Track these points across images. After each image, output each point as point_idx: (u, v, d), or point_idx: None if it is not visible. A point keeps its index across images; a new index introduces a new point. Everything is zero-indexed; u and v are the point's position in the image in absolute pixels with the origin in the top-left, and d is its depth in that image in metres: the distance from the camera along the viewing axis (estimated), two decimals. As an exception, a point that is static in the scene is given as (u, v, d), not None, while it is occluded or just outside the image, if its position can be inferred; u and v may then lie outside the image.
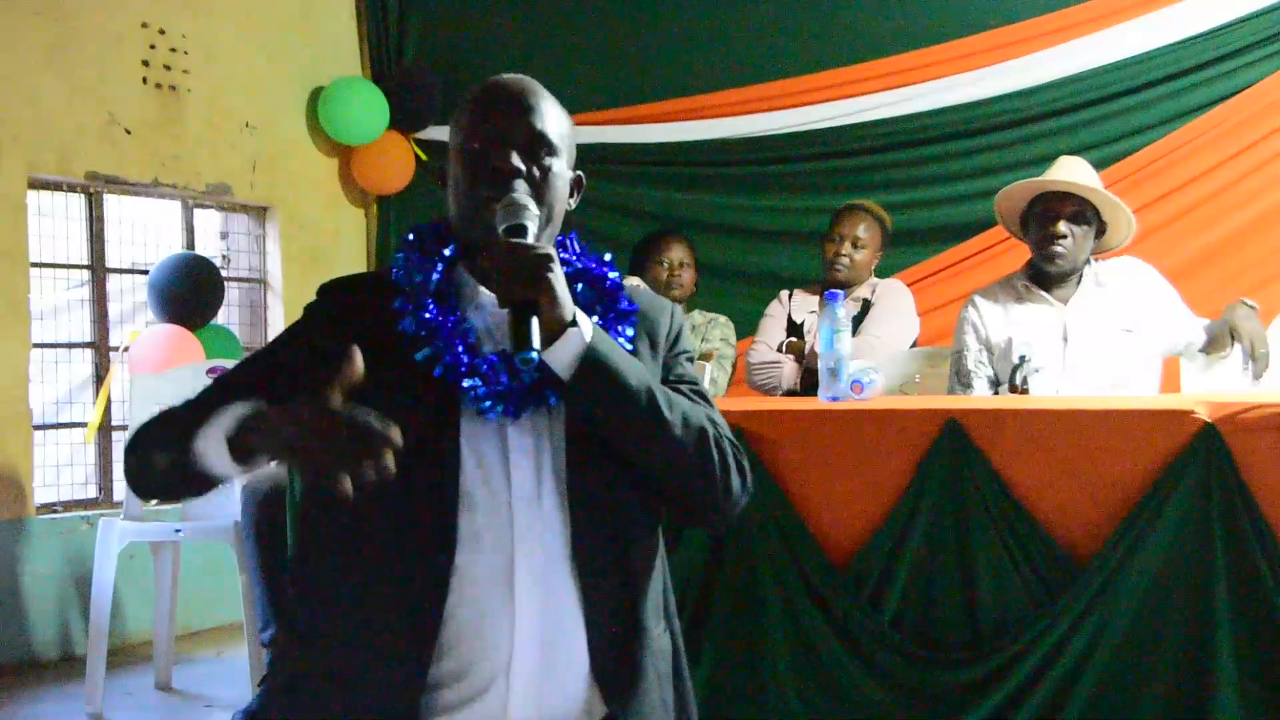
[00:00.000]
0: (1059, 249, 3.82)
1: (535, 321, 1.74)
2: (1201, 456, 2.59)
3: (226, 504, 4.71)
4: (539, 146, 1.89)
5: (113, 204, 6.03)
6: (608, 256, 2.02)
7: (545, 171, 1.89)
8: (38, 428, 5.59)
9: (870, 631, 2.81)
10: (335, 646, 1.82)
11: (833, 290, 3.67)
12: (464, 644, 1.78)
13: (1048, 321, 3.87)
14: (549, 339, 1.77)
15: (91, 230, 5.91)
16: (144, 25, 5.95)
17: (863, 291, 4.81)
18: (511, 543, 1.80)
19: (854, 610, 2.82)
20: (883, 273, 5.02)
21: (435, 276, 1.90)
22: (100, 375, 5.84)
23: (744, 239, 6.33)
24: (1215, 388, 3.92)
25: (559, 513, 1.83)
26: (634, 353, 1.92)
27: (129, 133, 5.88)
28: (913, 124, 6.05)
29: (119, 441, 5.77)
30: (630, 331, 1.94)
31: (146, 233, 6.22)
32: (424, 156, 6.99)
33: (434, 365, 1.83)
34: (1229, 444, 2.58)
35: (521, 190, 1.85)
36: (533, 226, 1.81)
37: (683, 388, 1.95)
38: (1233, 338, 3.76)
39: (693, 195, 6.27)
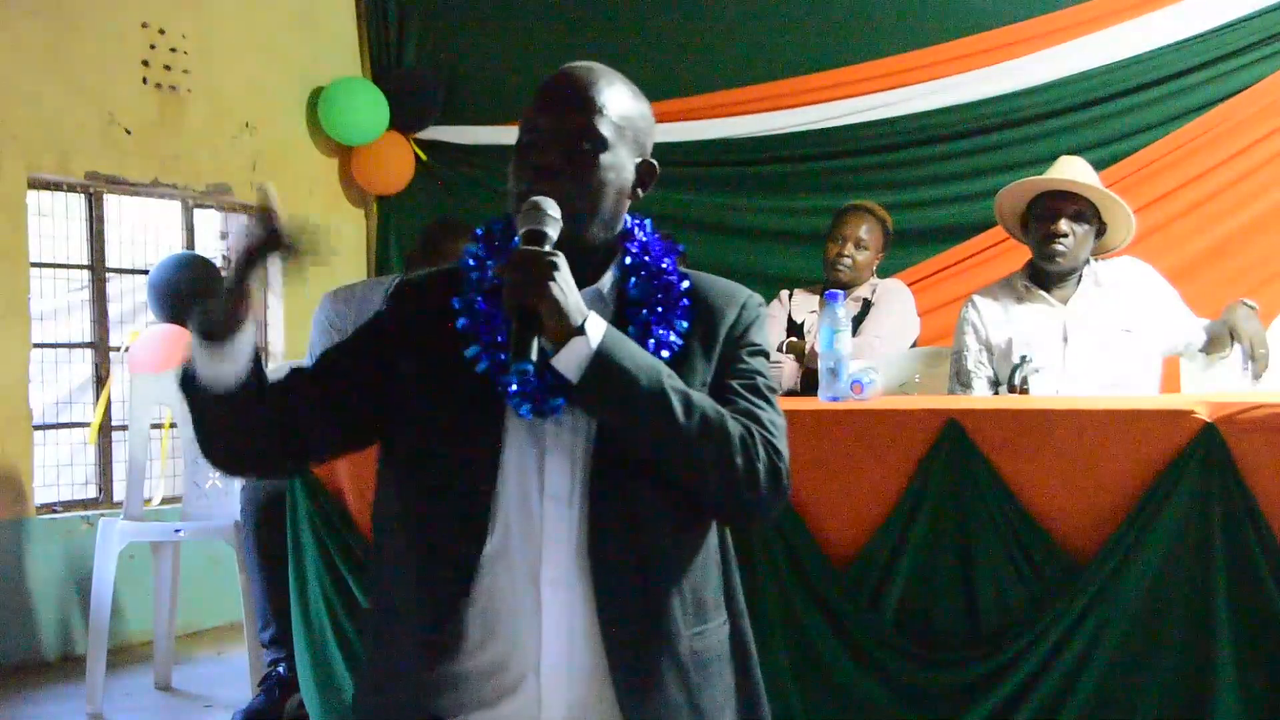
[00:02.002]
0: (1060, 248, 3.82)
1: (531, 334, 1.75)
2: (1201, 456, 2.58)
3: (227, 504, 4.71)
4: (583, 140, 1.87)
5: (113, 204, 6.03)
6: (680, 248, 2.00)
7: (590, 167, 1.87)
8: (38, 428, 5.60)
9: (870, 631, 2.81)
10: (379, 626, 1.97)
11: (833, 290, 3.67)
12: (495, 640, 1.84)
13: (1048, 322, 3.87)
14: (559, 343, 1.77)
15: (92, 230, 5.91)
16: (144, 25, 5.96)
17: (863, 291, 4.81)
18: (540, 541, 1.83)
19: (854, 610, 2.82)
20: (883, 273, 5.02)
21: (490, 274, 1.92)
22: (100, 376, 5.84)
23: (744, 239, 6.32)
24: (1215, 388, 3.92)
25: (584, 516, 1.84)
26: (682, 349, 1.91)
27: (129, 133, 5.89)
28: (913, 124, 6.05)
29: (119, 442, 5.77)
30: (683, 325, 1.92)
31: (147, 233, 6.22)
32: (424, 157, 6.99)
33: (478, 362, 1.87)
34: (1229, 444, 2.57)
35: (552, 190, 1.84)
36: (553, 232, 1.80)
37: (734, 383, 1.93)
38: (1233, 338, 3.76)
39: (692, 195, 6.27)
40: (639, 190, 1.97)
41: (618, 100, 1.91)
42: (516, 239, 1.84)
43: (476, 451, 1.85)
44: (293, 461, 2.03)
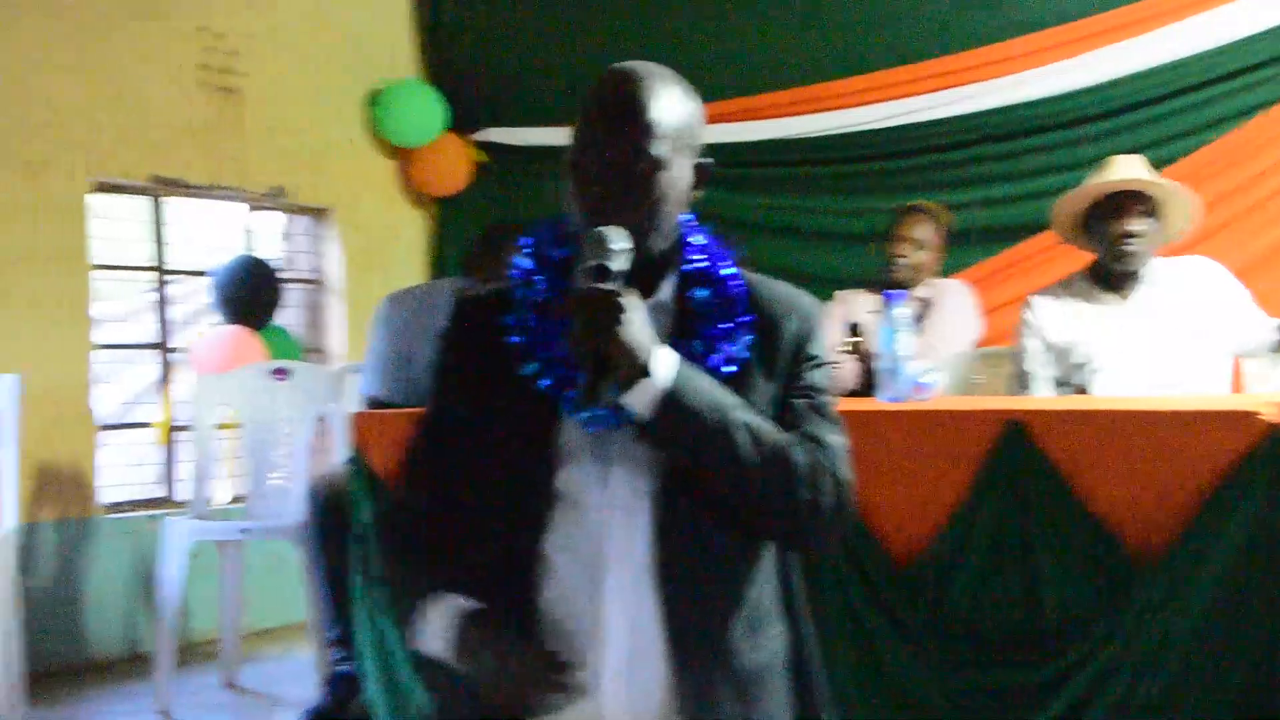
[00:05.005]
0: (1133, 247, 3.79)
1: (603, 379, 1.74)
2: (1269, 458, 2.55)
3: (291, 504, 4.75)
4: (638, 163, 1.83)
5: (174, 207, 6.10)
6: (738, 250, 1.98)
7: (647, 190, 1.84)
8: (105, 428, 5.68)
9: (933, 633, 2.80)
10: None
11: (892, 290, 3.66)
12: (558, 645, 1.81)
13: (1110, 321, 3.84)
14: (628, 383, 1.77)
15: (155, 233, 5.99)
16: (201, 28, 6.02)
17: (922, 292, 4.79)
18: (603, 553, 1.83)
19: (916, 612, 2.82)
20: (944, 272, 4.99)
21: (541, 287, 1.90)
22: (166, 376, 5.92)
23: (798, 240, 6.30)
24: (1285, 388, 3.87)
25: (652, 528, 1.84)
26: (746, 364, 1.89)
27: (190, 136, 5.95)
28: (969, 124, 5.99)
29: (184, 442, 5.84)
30: (747, 339, 1.90)
31: (208, 235, 6.30)
32: (482, 158, 7.02)
33: (540, 377, 1.86)
34: (1297, 446, 2.55)
35: (611, 218, 1.81)
36: (618, 264, 1.78)
37: (797, 403, 1.91)
38: (1304, 337, 3.72)
39: (746, 196, 6.25)
40: (694, 192, 1.94)
41: (670, 111, 1.86)
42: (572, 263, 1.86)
43: (534, 463, 1.85)
44: None
